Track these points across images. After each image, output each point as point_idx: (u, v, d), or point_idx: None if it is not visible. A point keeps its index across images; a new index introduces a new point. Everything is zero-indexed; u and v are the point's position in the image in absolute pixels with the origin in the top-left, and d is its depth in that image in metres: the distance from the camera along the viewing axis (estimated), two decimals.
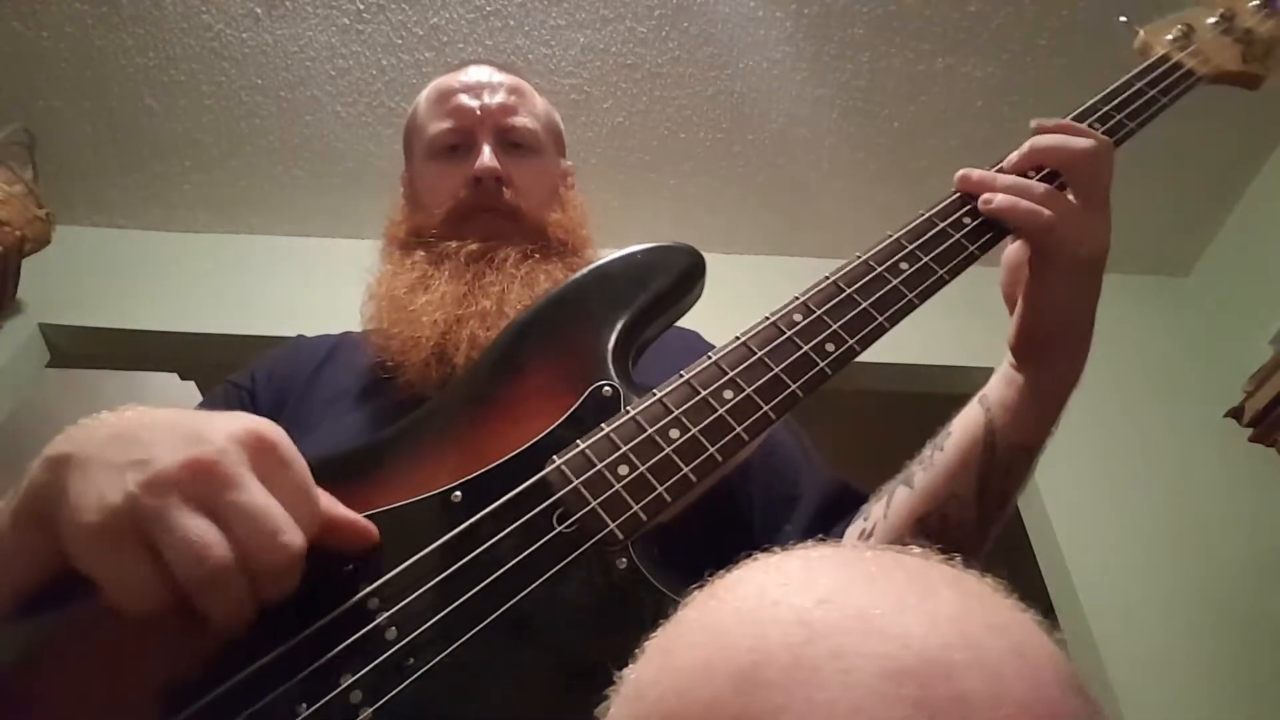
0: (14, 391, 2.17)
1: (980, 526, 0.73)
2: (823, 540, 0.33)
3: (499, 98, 0.98)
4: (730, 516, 0.80)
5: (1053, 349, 0.72)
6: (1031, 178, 0.72)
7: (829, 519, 0.81)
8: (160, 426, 0.49)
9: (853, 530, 0.79)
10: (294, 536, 0.46)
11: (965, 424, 0.75)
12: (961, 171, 0.74)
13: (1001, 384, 0.74)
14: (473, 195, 0.93)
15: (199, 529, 0.44)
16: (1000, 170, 0.74)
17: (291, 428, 0.82)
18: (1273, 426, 1.88)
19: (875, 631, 0.27)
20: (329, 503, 0.53)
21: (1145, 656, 1.84)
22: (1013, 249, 0.74)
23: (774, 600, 0.29)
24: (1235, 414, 1.97)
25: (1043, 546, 2.08)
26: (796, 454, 0.88)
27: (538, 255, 0.92)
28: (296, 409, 0.86)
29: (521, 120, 0.99)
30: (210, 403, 0.89)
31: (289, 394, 0.88)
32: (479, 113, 0.97)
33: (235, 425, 0.49)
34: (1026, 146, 0.74)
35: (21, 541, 0.49)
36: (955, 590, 0.29)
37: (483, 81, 1.00)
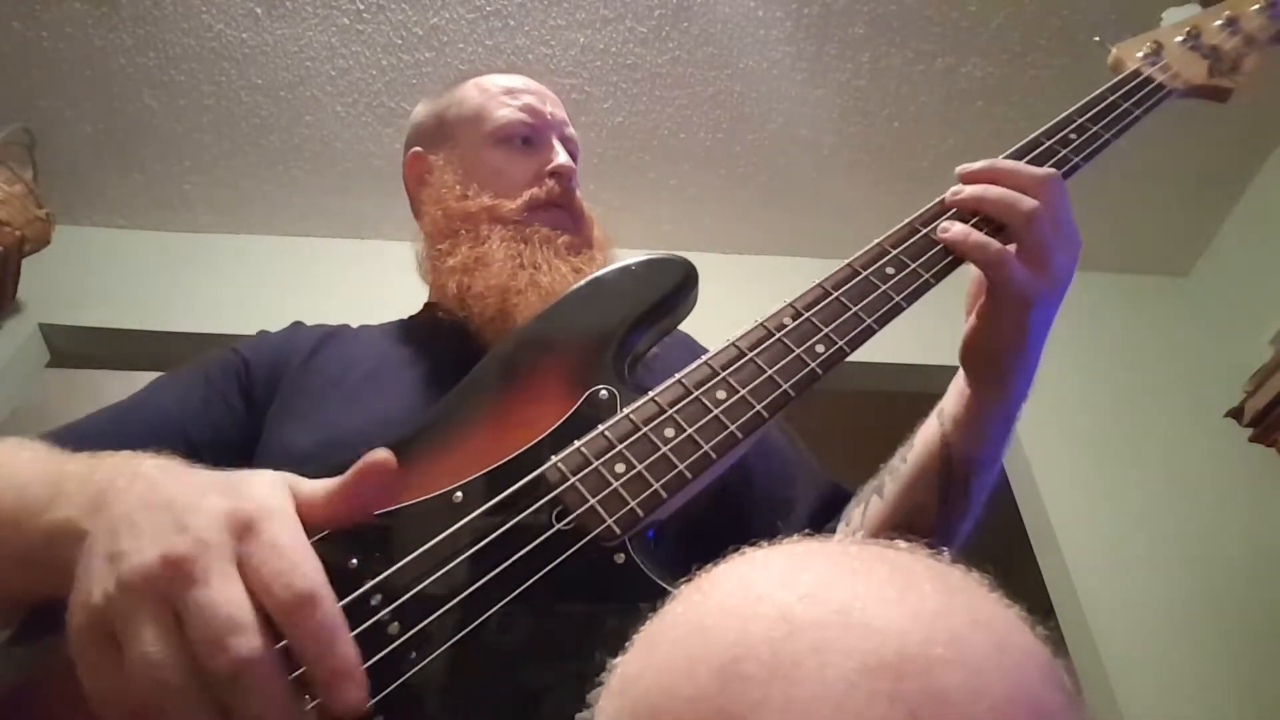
0: (14, 391, 2.17)
1: (946, 531, 0.75)
2: (809, 535, 0.33)
3: (560, 110, 1.05)
4: (730, 520, 0.81)
5: (1000, 367, 0.73)
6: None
7: (821, 519, 0.84)
8: (155, 509, 0.47)
9: (837, 535, 0.80)
10: (245, 641, 0.43)
11: (924, 437, 0.77)
12: (959, 174, 0.76)
13: (953, 398, 0.76)
14: (558, 188, 0.97)
15: (151, 643, 0.42)
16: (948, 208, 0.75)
17: (286, 411, 0.85)
18: (1273, 426, 1.88)
19: (855, 626, 0.27)
20: (333, 503, 0.52)
21: (1145, 656, 1.84)
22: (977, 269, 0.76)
23: (757, 595, 0.29)
24: (1235, 414, 1.97)
25: (1043, 546, 2.08)
26: (792, 457, 0.91)
27: (598, 257, 0.97)
28: (290, 393, 0.88)
29: (574, 133, 1.06)
30: (207, 364, 0.90)
31: (283, 376, 0.89)
32: (550, 117, 1.03)
33: (224, 506, 0.47)
34: (974, 191, 0.74)
35: (37, 575, 0.51)
36: (938, 585, 0.29)
37: (542, 90, 1.06)
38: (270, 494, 0.49)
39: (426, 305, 1.02)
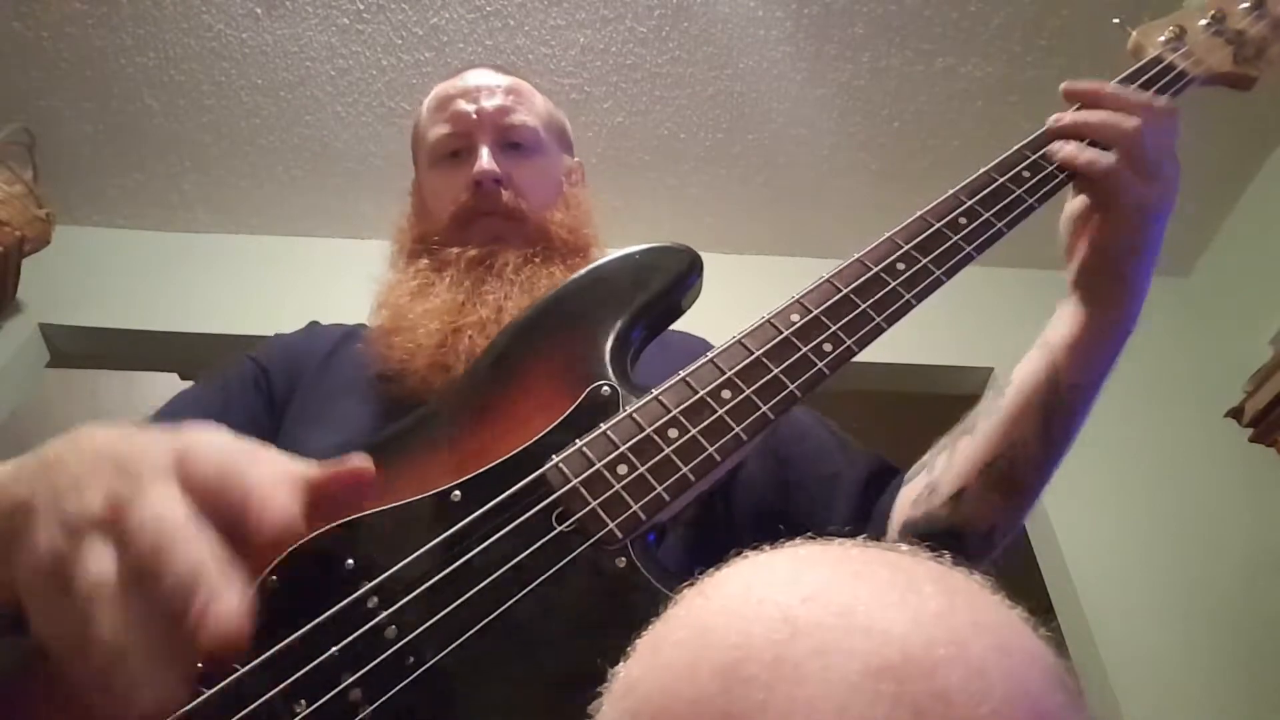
0: (14, 391, 2.17)
1: (1045, 467, 0.77)
2: (811, 539, 0.33)
3: (496, 100, 0.99)
4: (779, 502, 0.84)
5: (1123, 280, 0.75)
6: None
7: (871, 490, 0.84)
8: (99, 461, 0.45)
9: (915, 485, 0.81)
10: (188, 551, 0.40)
11: (1026, 369, 0.78)
12: (1065, 91, 0.80)
13: (1063, 325, 0.77)
14: (473, 199, 0.93)
15: (95, 566, 0.40)
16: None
17: (301, 412, 0.84)
18: (1273, 426, 1.88)
19: (858, 628, 0.27)
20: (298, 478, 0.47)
21: (1145, 656, 1.84)
22: (1074, 201, 0.78)
23: (759, 598, 0.29)
24: (1235, 414, 1.97)
25: (1043, 546, 2.08)
26: (827, 436, 0.91)
27: (539, 258, 0.92)
28: (306, 394, 0.88)
29: (520, 119, 0.99)
30: (225, 374, 0.90)
31: (301, 377, 0.90)
32: (475, 117, 0.97)
33: (165, 445, 0.45)
34: (1075, 117, 0.77)
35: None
36: (940, 587, 0.29)
37: (480, 85, 1.00)
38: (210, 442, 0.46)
39: None
